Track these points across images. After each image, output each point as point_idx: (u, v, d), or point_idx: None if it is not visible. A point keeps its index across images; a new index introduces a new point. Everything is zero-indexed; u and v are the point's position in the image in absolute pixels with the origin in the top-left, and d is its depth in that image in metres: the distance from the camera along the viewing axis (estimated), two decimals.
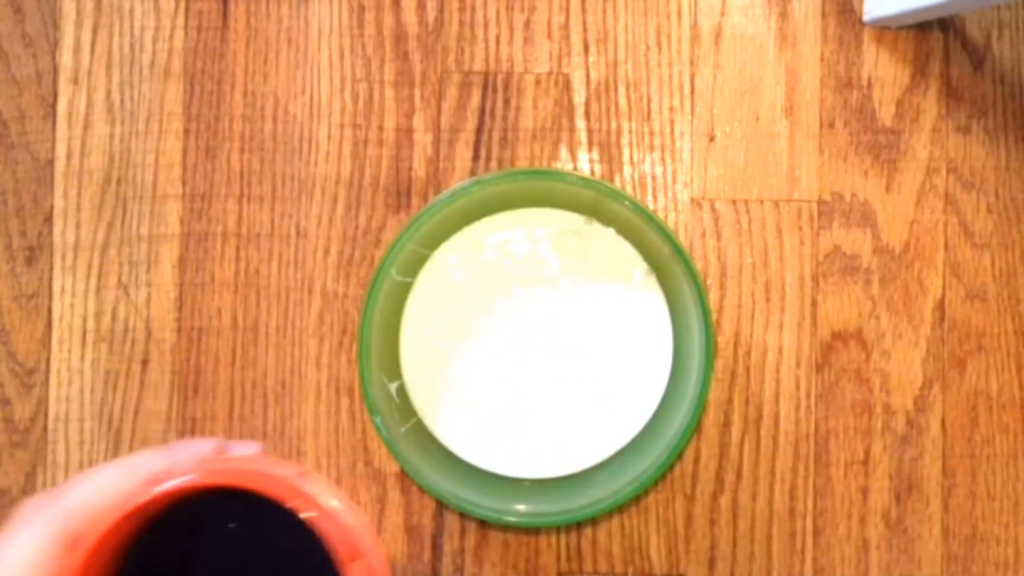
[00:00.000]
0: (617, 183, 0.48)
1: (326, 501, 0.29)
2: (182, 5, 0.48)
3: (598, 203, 0.46)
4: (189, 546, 0.32)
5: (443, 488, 0.45)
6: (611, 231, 0.46)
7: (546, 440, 0.46)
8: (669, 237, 0.44)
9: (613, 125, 0.47)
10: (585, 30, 0.47)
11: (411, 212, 0.48)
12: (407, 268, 0.46)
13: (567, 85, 0.47)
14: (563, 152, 0.48)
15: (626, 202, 0.45)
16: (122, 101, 0.47)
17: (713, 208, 0.47)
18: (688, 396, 0.45)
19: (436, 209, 0.44)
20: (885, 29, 0.47)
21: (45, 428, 0.47)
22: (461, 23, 0.47)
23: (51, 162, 0.47)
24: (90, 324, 0.47)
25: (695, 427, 0.45)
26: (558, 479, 0.47)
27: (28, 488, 0.47)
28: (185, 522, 0.31)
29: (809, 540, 0.47)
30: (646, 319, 0.46)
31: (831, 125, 0.47)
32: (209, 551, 0.32)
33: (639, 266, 0.46)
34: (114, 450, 0.47)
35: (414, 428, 0.46)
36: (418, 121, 0.48)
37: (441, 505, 0.47)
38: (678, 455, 0.46)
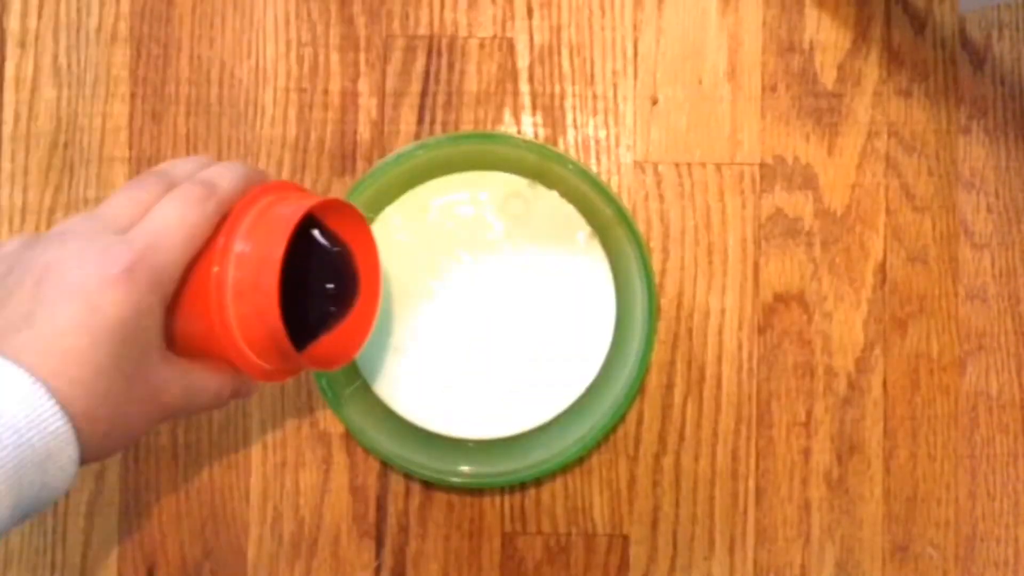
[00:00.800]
0: (560, 146, 0.48)
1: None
2: None
3: (542, 166, 0.46)
4: None
5: (387, 449, 0.45)
6: (555, 194, 0.47)
7: (490, 401, 0.47)
8: (612, 200, 0.45)
9: (557, 89, 0.48)
10: None
11: (356, 175, 0.48)
12: None
13: (511, 49, 0.48)
14: (507, 116, 0.48)
15: (569, 165, 0.45)
16: (69, 65, 0.48)
17: (656, 171, 0.48)
18: (631, 358, 0.45)
19: (381, 172, 0.45)
20: None
21: None
22: None
23: None
24: None
25: (638, 389, 0.45)
26: (502, 440, 0.47)
27: None
28: None
29: (751, 501, 0.47)
30: (589, 282, 0.47)
31: (773, 89, 0.48)
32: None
33: (583, 229, 0.47)
34: None
35: (359, 390, 0.46)
36: (363, 85, 0.48)
37: (385, 466, 0.47)
38: (621, 417, 0.46)
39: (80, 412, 0.30)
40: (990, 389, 0.48)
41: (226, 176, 0.36)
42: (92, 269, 0.32)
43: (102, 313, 0.31)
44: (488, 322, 0.47)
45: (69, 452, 0.30)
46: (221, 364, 0.36)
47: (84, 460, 0.32)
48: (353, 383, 0.46)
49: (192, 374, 0.35)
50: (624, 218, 0.44)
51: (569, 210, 0.47)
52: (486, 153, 0.46)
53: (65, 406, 0.30)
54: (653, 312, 0.44)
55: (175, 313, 0.34)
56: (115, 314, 0.31)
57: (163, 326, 0.34)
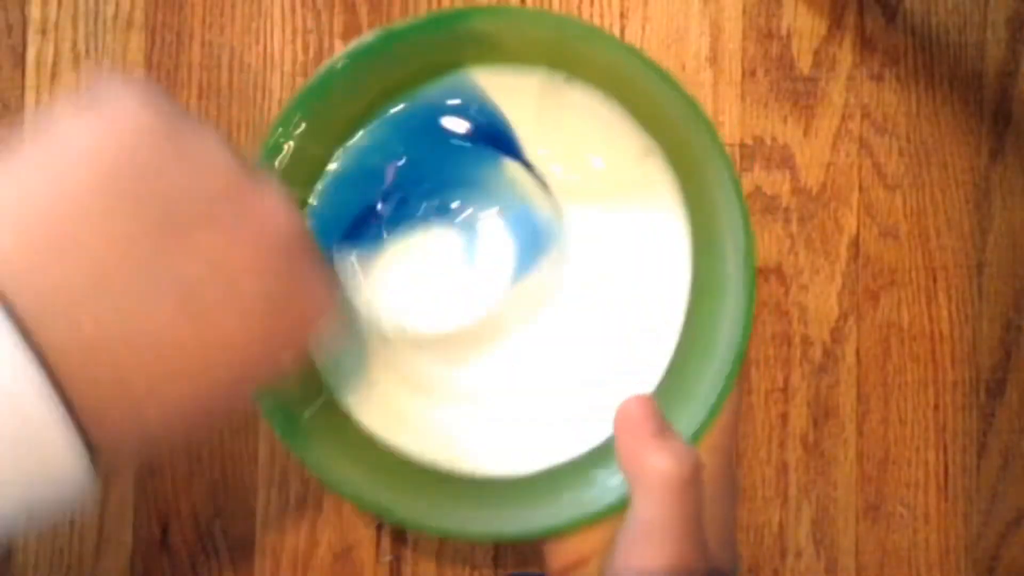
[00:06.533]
0: None
1: None
2: None
3: (562, 48, 0.37)
4: None
5: (377, 497, 0.34)
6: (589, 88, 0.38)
7: (504, 425, 0.39)
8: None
9: None
10: None
11: None
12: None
13: None
14: None
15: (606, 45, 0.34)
16: (88, 51, 0.50)
17: None
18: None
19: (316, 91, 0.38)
20: None
21: None
22: None
23: (21, 109, 0.50)
24: None
25: None
26: (519, 479, 0.38)
27: None
28: None
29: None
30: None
31: (752, 74, 0.50)
32: None
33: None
34: None
35: (323, 409, 0.38)
36: None
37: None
38: None
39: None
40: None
41: None
42: None
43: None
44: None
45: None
46: None
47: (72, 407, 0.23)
48: (315, 401, 0.37)
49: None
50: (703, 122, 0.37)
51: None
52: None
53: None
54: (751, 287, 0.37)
55: None
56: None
57: None
